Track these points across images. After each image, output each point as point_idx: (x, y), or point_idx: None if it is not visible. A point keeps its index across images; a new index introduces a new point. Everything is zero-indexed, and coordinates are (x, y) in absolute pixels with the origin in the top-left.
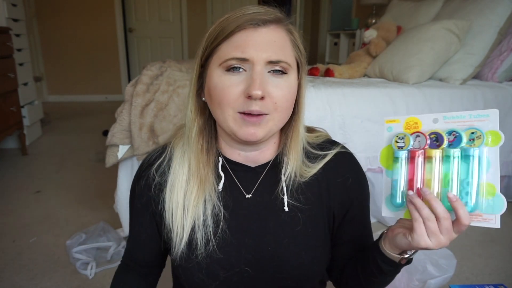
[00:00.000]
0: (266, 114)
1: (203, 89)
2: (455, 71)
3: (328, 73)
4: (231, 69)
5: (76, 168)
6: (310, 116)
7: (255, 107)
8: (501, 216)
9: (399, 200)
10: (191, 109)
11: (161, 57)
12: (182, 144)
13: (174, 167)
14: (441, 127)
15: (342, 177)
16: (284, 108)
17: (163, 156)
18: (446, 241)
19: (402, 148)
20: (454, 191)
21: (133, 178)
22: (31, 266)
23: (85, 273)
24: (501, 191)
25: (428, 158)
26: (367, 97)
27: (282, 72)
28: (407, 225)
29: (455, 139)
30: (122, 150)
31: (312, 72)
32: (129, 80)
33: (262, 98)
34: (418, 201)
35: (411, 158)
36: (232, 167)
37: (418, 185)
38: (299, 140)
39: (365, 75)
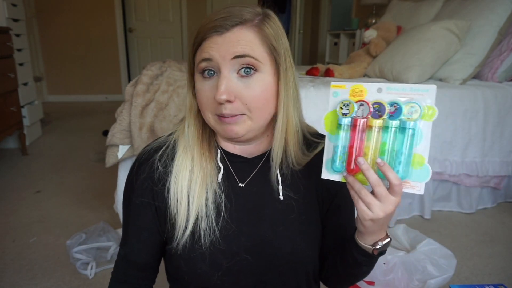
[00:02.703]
0: (241, 115)
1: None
2: (455, 71)
3: (328, 73)
4: (204, 72)
5: (76, 168)
6: (310, 116)
7: (225, 110)
8: (499, 215)
9: (338, 165)
10: (190, 107)
11: (161, 57)
12: (184, 137)
13: (178, 157)
14: (384, 97)
15: None
16: (258, 107)
17: (165, 147)
18: (388, 207)
19: (346, 115)
20: (387, 160)
21: (128, 173)
22: (31, 266)
23: (85, 273)
24: (501, 191)
25: (368, 127)
26: None
27: (251, 69)
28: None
29: (396, 111)
30: (122, 150)
31: (312, 72)
32: (129, 80)
33: (229, 101)
34: (349, 179)
35: (353, 126)
36: (229, 158)
37: (356, 153)
38: (286, 133)
39: (365, 75)
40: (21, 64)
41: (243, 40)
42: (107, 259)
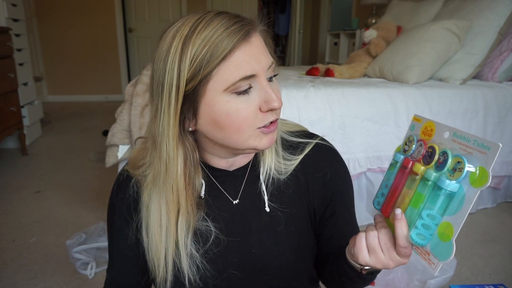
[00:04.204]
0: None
1: (191, 119)
2: (455, 71)
3: (328, 73)
4: (242, 92)
5: (76, 168)
6: (310, 116)
7: (273, 117)
8: (499, 215)
9: (379, 201)
10: (173, 147)
11: None
12: (155, 185)
13: (151, 203)
14: (447, 142)
15: (321, 171)
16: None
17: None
18: (387, 261)
19: (405, 152)
20: (414, 216)
21: (111, 192)
22: (31, 266)
23: (85, 273)
24: (501, 191)
25: (413, 173)
26: (367, 97)
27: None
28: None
29: (442, 163)
30: (122, 150)
31: (312, 72)
32: (129, 80)
33: None
34: (379, 224)
35: (403, 167)
36: (213, 173)
37: (394, 195)
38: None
39: (365, 75)
40: (21, 64)
41: (264, 46)
42: (107, 259)
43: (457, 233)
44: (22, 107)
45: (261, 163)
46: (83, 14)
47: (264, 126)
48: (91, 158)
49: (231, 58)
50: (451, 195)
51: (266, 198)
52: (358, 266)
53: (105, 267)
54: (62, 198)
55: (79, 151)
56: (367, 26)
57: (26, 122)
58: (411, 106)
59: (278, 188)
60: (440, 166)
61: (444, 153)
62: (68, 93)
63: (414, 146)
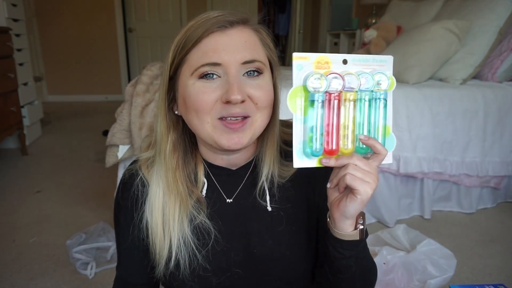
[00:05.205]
0: (248, 117)
1: (175, 102)
2: (455, 71)
3: None
4: (204, 76)
5: (76, 168)
6: None
7: (237, 109)
8: (499, 215)
9: (317, 148)
10: (163, 126)
11: (161, 57)
12: (154, 163)
13: (152, 186)
14: (350, 68)
15: (324, 170)
16: (266, 107)
17: (147, 165)
18: (376, 176)
19: (318, 91)
20: (365, 133)
21: (116, 191)
22: (31, 266)
23: (85, 273)
24: (501, 191)
25: (343, 102)
26: None
27: (258, 72)
28: (337, 198)
29: (365, 83)
30: (122, 150)
31: None
32: (129, 80)
33: (242, 101)
34: (341, 161)
35: (328, 102)
36: (214, 171)
37: (334, 131)
38: (274, 140)
39: None
40: (21, 64)
41: (249, 42)
42: (107, 259)
43: (392, 126)
44: (22, 107)
45: (263, 163)
46: (83, 14)
47: (223, 119)
48: (91, 158)
49: (201, 45)
50: (384, 104)
51: (267, 198)
52: (355, 233)
53: (105, 267)
54: (62, 198)
55: (79, 151)
56: (367, 26)
57: (26, 122)
58: (411, 106)
59: (279, 188)
60: (364, 86)
61: (361, 75)
62: (68, 93)
63: (325, 81)
